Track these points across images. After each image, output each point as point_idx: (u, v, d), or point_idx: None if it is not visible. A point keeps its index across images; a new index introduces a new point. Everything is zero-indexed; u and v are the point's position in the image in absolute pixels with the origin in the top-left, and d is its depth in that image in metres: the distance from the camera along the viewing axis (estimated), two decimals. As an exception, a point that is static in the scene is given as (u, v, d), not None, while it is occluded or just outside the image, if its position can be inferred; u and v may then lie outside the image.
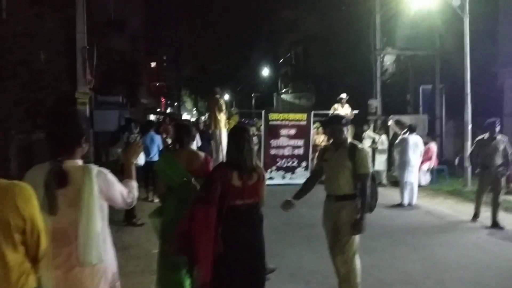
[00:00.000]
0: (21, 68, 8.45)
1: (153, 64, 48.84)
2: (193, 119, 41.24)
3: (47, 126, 2.82)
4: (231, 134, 3.83)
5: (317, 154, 4.62)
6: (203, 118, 20.36)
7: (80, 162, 2.61)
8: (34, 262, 2.19)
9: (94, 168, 2.56)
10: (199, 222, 3.44)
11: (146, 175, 9.75)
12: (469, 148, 11.55)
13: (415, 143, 9.79)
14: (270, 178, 12.56)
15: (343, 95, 12.91)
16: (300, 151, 12.74)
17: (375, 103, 15.65)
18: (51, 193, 2.43)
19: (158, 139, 10.04)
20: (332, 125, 4.53)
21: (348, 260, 4.22)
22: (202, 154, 4.34)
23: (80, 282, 2.50)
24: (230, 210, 3.54)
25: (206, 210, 3.46)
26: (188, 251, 3.52)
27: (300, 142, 12.74)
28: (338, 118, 4.72)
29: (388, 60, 19.97)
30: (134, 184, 2.87)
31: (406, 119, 13.79)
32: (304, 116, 12.95)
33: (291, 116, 13.00)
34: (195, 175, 4.07)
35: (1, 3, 8.94)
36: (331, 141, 4.60)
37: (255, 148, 3.93)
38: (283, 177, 12.66)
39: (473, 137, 12.18)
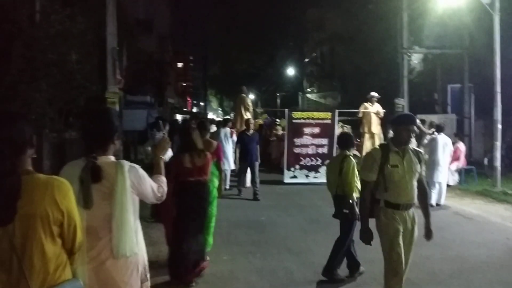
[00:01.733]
0: (54, 68, 8.67)
1: (180, 64, 49.29)
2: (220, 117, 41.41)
3: (82, 124, 2.93)
4: (182, 129, 5.43)
5: (367, 158, 3.98)
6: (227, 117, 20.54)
7: (112, 158, 2.71)
8: (70, 254, 2.28)
9: (126, 164, 2.66)
10: None
11: None
12: (499, 148, 11.35)
13: (445, 142, 9.70)
14: (294, 177, 12.53)
15: (374, 94, 12.77)
16: (324, 150, 12.64)
17: (402, 103, 15.47)
18: (86, 188, 2.53)
19: None
20: (406, 125, 3.94)
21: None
22: (215, 142, 6.36)
23: (113, 274, 2.59)
24: (184, 185, 4.84)
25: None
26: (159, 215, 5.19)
27: (324, 141, 12.64)
28: (412, 117, 4.08)
29: (416, 58, 19.69)
30: (163, 179, 2.97)
31: (434, 118, 13.60)
32: (329, 115, 12.85)
33: (315, 114, 12.93)
34: None
35: (35, 6, 9.19)
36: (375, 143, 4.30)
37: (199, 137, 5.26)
38: (307, 176, 12.61)
39: (503, 137, 11.98)
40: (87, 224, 2.52)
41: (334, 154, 12.67)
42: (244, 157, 10.69)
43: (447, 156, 9.79)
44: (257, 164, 10.74)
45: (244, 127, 12.23)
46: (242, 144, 10.71)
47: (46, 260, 2.13)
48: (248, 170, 12.29)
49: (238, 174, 11.18)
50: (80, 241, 2.31)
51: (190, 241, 4.99)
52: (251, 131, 10.94)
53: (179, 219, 4.95)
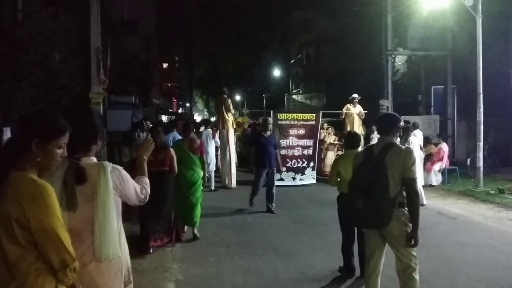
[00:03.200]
0: (37, 68, 8.56)
1: (165, 65, 49.07)
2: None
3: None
4: (149, 131, 6.78)
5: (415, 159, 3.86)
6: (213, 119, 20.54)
7: (94, 159, 2.66)
8: (51, 268, 2.07)
9: (109, 165, 2.62)
10: None
11: None
12: (481, 148, 11.50)
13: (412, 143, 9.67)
14: (280, 179, 12.43)
15: (355, 95, 12.91)
16: (310, 151, 12.67)
17: (386, 104, 15.60)
18: (70, 189, 2.46)
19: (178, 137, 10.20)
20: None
21: None
22: (198, 140, 7.45)
23: (96, 277, 2.54)
24: (150, 173, 5.58)
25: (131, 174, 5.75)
26: None
27: (309, 142, 12.64)
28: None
29: (400, 60, 19.89)
30: (146, 180, 2.92)
31: (418, 119, 13.74)
32: (313, 116, 12.90)
33: (300, 116, 12.96)
34: (194, 153, 7.11)
35: (17, 5, 9.06)
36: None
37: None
38: (294, 179, 12.54)
39: (486, 138, 12.14)
40: (69, 227, 2.46)
41: (316, 155, 12.77)
42: (261, 163, 9.08)
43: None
44: (275, 171, 9.31)
45: (224, 127, 12.18)
46: (259, 146, 9.16)
47: (7, 263, 2.00)
48: (233, 169, 12.21)
49: (254, 184, 9.35)
50: (62, 259, 2.05)
51: (157, 219, 6.40)
52: (268, 132, 9.38)
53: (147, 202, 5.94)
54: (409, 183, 3.76)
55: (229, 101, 12.46)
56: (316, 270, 5.63)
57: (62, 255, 2.05)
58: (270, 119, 9.92)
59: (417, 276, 3.94)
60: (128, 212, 6.27)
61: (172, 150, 6.51)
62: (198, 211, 7.17)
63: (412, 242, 3.82)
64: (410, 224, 3.83)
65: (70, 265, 2.07)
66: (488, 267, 5.77)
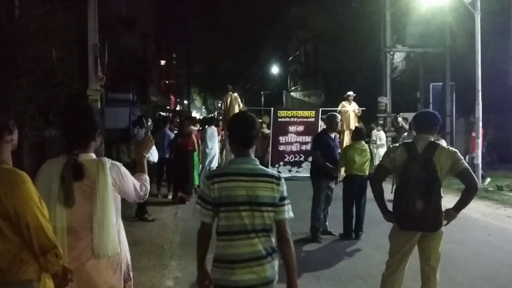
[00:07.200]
0: (34, 65, 8.52)
1: (163, 62, 48.90)
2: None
3: (63, 120, 2.85)
4: (180, 123, 10.60)
5: None
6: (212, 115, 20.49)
7: (93, 155, 2.64)
8: (35, 255, 2.11)
9: (108, 161, 2.59)
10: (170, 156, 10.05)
11: (159, 172, 10.19)
12: (480, 145, 11.50)
13: None
14: (277, 172, 12.65)
15: (350, 93, 12.98)
16: (308, 147, 12.79)
17: (385, 101, 15.60)
18: (68, 185, 2.44)
19: (170, 136, 10.20)
20: None
21: None
22: (195, 129, 11.08)
23: (95, 274, 2.52)
24: (178, 152, 9.57)
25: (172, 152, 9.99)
26: None
27: (308, 139, 12.82)
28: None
29: (398, 57, 19.87)
30: (146, 177, 2.89)
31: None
32: (313, 113, 13.12)
33: (300, 113, 13.20)
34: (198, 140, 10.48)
35: (14, 1, 9.01)
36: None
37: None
38: (289, 171, 12.87)
39: (484, 135, 12.15)
40: (68, 224, 2.45)
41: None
42: (329, 172, 6.82)
43: None
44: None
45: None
46: (327, 151, 6.89)
47: None
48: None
49: (315, 201, 6.94)
50: (41, 244, 2.08)
51: (182, 180, 9.62)
52: (334, 133, 7.22)
53: (176, 169, 9.70)
54: (467, 174, 3.77)
55: (239, 98, 12.64)
56: (315, 267, 5.62)
57: (41, 240, 2.08)
58: (339, 116, 7.63)
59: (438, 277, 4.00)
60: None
61: (194, 136, 9.75)
62: (196, 177, 10.47)
63: (447, 220, 3.93)
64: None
65: (50, 251, 2.10)
66: (487, 264, 5.78)
